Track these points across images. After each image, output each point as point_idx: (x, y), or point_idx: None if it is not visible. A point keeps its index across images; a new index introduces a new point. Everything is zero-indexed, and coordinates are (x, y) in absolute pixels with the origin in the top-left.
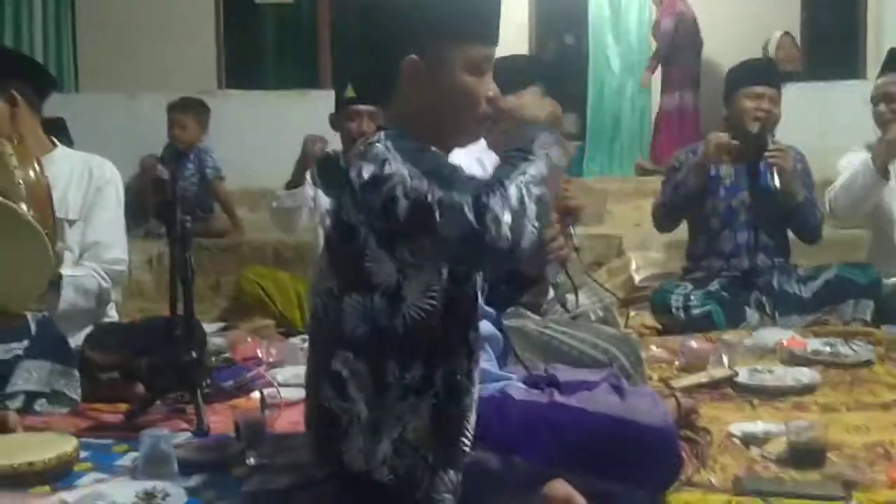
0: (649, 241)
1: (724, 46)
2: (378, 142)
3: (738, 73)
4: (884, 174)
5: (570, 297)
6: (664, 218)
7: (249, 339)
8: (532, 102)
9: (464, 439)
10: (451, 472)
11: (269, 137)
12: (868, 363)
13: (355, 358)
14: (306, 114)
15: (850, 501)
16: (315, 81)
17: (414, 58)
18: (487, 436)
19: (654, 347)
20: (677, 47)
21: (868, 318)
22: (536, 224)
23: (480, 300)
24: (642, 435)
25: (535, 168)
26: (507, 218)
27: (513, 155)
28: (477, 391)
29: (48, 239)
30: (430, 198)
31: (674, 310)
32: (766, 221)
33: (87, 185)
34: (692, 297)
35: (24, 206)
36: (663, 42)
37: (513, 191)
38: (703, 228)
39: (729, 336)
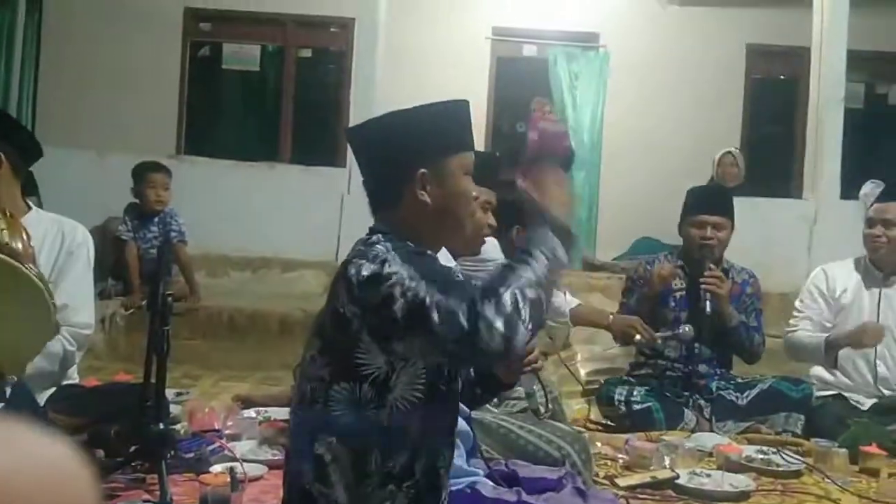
0: (596, 335)
1: (669, 158)
2: (378, 243)
3: (688, 200)
4: (832, 365)
5: (542, 402)
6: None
7: (207, 410)
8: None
9: None
10: None
11: (230, 205)
12: (798, 473)
13: (339, 443)
14: (269, 185)
15: None
16: (274, 153)
17: (424, 171)
18: None
19: (599, 444)
20: (540, 156)
21: (798, 430)
22: (530, 326)
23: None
24: None
25: (531, 271)
26: (499, 325)
27: (514, 259)
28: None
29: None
30: (427, 300)
31: (616, 402)
32: (707, 336)
33: (59, 249)
34: (635, 393)
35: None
36: (529, 150)
37: (507, 297)
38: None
39: (670, 437)
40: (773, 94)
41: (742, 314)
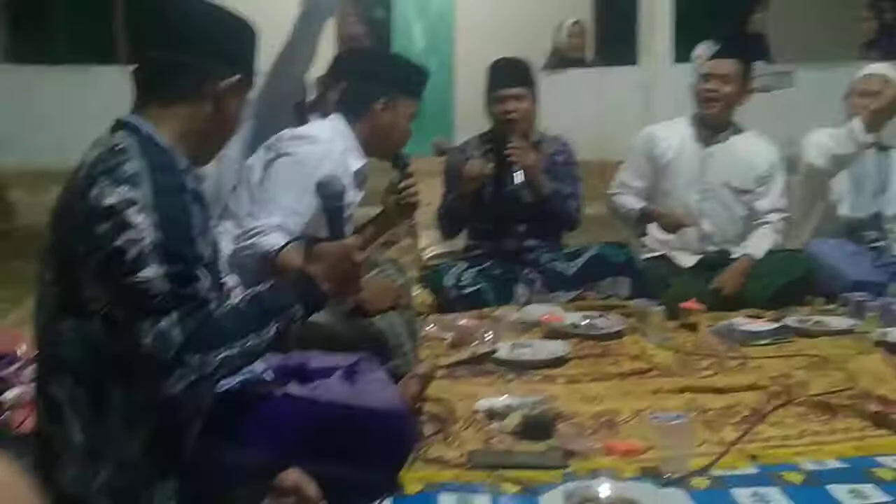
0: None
1: (523, 36)
2: (129, 157)
3: (488, 76)
4: (641, 234)
5: None
6: (446, 230)
7: (12, 333)
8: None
9: (183, 448)
10: (171, 480)
11: (50, 115)
12: (619, 334)
13: (74, 383)
14: (92, 90)
15: (566, 470)
16: (109, 56)
17: (241, 77)
18: (222, 431)
19: (428, 326)
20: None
21: (625, 293)
22: (216, 378)
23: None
24: (371, 419)
25: (256, 342)
26: (189, 379)
27: (260, 314)
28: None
29: None
30: (150, 296)
31: (445, 287)
32: (529, 209)
33: None
34: (464, 276)
35: None
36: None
37: (218, 359)
38: (478, 215)
39: (498, 312)
40: None
41: (556, 183)
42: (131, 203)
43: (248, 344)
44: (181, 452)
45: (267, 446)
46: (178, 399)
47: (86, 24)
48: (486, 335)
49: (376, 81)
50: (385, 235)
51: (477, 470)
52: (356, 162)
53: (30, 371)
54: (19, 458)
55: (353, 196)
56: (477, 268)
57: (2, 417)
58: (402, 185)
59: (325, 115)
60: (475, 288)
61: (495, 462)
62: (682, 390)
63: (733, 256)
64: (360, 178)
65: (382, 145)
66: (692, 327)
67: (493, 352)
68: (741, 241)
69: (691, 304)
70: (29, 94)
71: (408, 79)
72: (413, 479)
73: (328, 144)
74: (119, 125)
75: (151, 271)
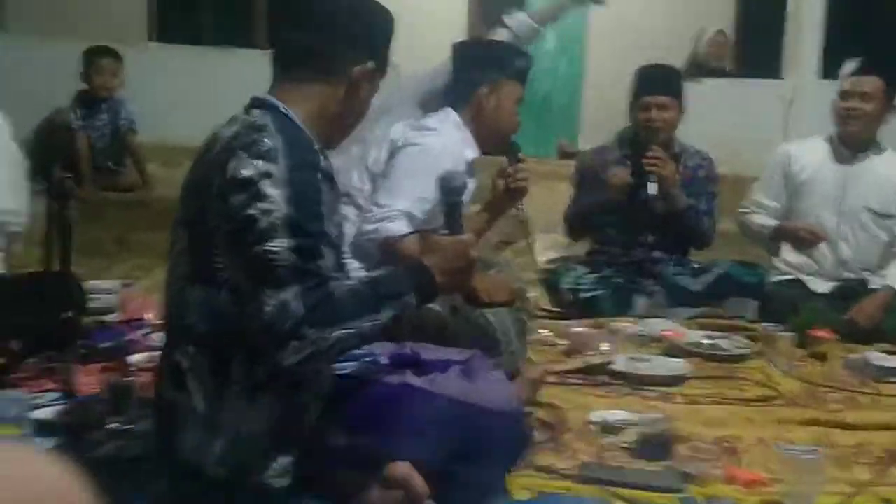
0: (556, 223)
1: (661, 41)
2: (267, 133)
3: (635, 82)
4: (775, 253)
5: None
6: (573, 232)
7: (140, 299)
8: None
9: (301, 426)
10: (286, 457)
11: (189, 93)
12: (743, 358)
13: (197, 352)
14: (232, 72)
15: (683, 494)
16: (249, 40)
17: (373, 63)
18: (337, 415)
19: (543, 331)
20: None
21: (752, 315)
22: (330, 356)
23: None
24: (486, 418)
25: (369, 324)
26: (304, 353)
27: (377, 296)
28: (327, 377)
29: None
30: (276, 271)
31: (562, 290)
32: (661, 221)
33: None
34: (583, 281)
35: None
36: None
37: (334, 336)
38: (607, 220)
39: (616, 324)
40: None
41: (693, 198)
42: (267, 176)
43: (363, 326)
44: (299, 431)
45: (381, 433)
46: (292, 372)
47: (229, 7)
48: (601, 345)
49: (479, 68)
50: (499, 235)
51: (588, 484)
52: (471, 152)
53: (156, 336)
54: (138, 420)
55: (469, 185)
56: (597, 274)
57: (129, 379)
58: (512, 168)
59: (437, 109)
60: (593, 294)
61: (608, 478)
62: (809, 422)
63: (872, 287)
64: (472, 169)
65: (492, 132)
66: (822, 357)
67: (609, 363)
68: (880, 269)
69: (823, 332)
70: (172, 73)
71: (509, 62)
72: (522, 485)
73: (448, 135)
74: (256, 103)
75: (280, 243)
